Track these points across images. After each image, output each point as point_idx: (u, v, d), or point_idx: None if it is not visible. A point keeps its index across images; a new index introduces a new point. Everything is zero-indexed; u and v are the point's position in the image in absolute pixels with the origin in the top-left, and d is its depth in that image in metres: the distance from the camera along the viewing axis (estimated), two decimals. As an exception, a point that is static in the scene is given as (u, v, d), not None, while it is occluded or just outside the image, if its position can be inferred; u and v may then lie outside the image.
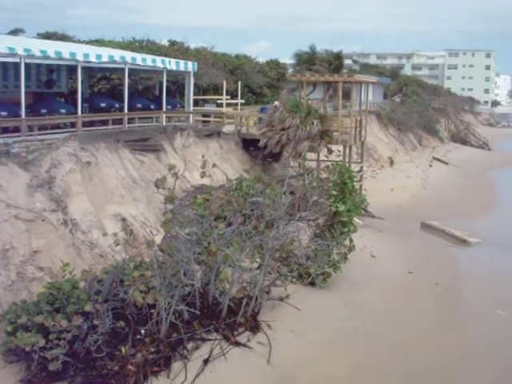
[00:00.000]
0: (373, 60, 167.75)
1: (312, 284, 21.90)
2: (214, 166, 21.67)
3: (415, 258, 28.37)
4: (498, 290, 24.75)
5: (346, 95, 38.87)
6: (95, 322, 14.98)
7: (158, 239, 19.42)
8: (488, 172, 60.81)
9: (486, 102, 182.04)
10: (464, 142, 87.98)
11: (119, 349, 15.11)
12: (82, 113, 28.53)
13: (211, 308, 17.64)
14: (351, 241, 23.37)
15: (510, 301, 23.32)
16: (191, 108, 36.03)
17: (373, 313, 21.03)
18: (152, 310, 15.90)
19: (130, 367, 14.72)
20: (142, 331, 15.87)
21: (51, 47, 27.27)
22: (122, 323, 15.43)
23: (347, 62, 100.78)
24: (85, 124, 28.24)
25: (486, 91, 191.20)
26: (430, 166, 60.38)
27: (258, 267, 19.48)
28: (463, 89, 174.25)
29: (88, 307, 14.96)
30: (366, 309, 21.23)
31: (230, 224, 17.29)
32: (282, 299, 19.96)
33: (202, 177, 19.14)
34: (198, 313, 16.91)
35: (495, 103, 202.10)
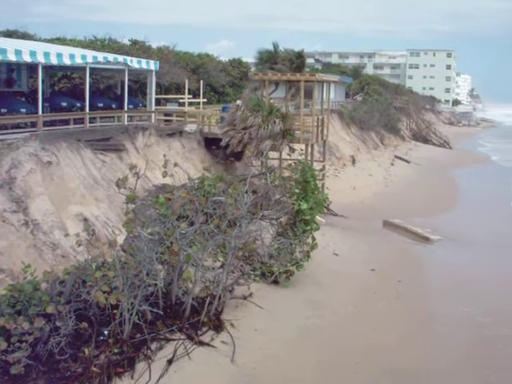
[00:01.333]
0: (335, 59, 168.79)
1: (275, 282, 21.97)
2: (176, 165, 21.59)
3: (378, 255, 28.60)
4: (460, 286, 25.07)
5: (308, 94, 39.02)
6: (57, 323, 14.85)
7: (121, 239, 19.33)
8: (449, 170, 61.58)
9: (446, 101, 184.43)
10: (425, 141, 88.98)
11: (82, 350, 14.99)
12: (42, 112, 28.24)
13: (174, 308, 17.61)
14: (314, 239, 23.48)
15: (473, 297, 23.66)
16: (153, 107, 35.90)
17: (336, 310, 21.16)
18: (115, 311, 15.82)
19: (94, 369, 14.62)
20: (105, 332, 15.78)
21: (11, 45, 26.97)
22: (84, 324, 15.32)
23: (309, 61, 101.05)
24: (46, 124, 27.97)
25: (447, 90, 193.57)
26: (392, 164, 60.96)
27: (221, 266, 19.49)
28: (424, 88, 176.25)
29: (50, 309, 14.82)
30: (329, 306, 21.35)
31: (192, 223, 17.27)
32: (245, 298, 19.99)
33: (163, 176, 19.07)
34: (162, 313, 16.86)
35: (456, 102, 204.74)
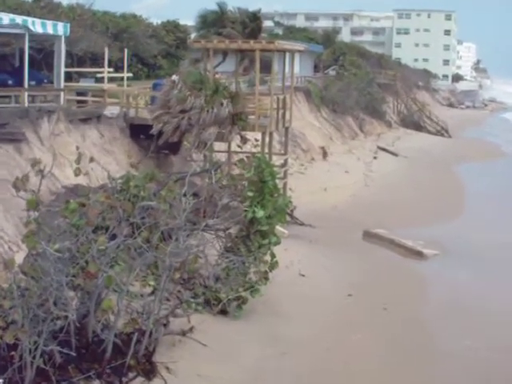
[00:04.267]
0: (300, 22, 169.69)
1: (223, 312, 22.00)
2: (93, 160, 21.52)
3: (356, 276, 28.81)
4: (462, 314, 25.40)
5: (266, 67, 39.19)
6: None
7: (20, 258, 19.19)
8: (449, 166, 62.13)
9: (445, 77, 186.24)
10: (418, 128, 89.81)
11: (-31, 405, 14.86)
12: None
13: (91, 347, 17.54)
14: (273, 256, 23.54)
15: (478, 328, 23.99)
16: (62, 84, 35.69)
17: (302, 348, 21.25)
18: (13, 352, 15.71)
19: (-16, 429, 14.49)
20: (1, 380, 15.66)
21: None
22: (-28, 371, 15.20)
23: (267, 24, 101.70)
24: None
25: (446, 63, 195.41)
26: (375, 157, 61.54)
27: (152, 292, 19.47)
28: (416, 59, 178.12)
29: None
30: (293, 343, 21.43)
31: (113, 236, 17.22)
32: (184, 333, 20.00)
33: (76, 175, 18.97)
34: (74, 354, 16.78)
35: (457, 78, 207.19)
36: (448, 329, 23.92)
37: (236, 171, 26.89)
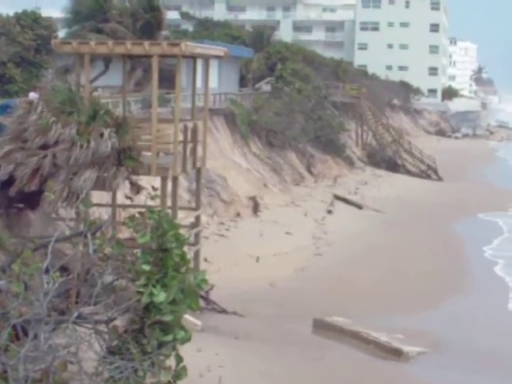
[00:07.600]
0: (220, 13, 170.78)
1: None
2: None
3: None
4: None
5: (168, 81, 39.46)
6: None
7: None
8: (440, 223, 62.71)
9: (432, 92, 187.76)
10: (393, 167, 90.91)
11: None
12: None
13: None
14: (180, 359, 23.60)
15: None
16: None
17: None
18: None
19: None
20: None
21: None
22: None
23: (172, 16, 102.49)
24: None
25: (433, 72, 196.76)
26: (330, 212, 62.01)
27: (0, 416, 19.46)
28: (390, 67, 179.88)
29: None
30: None
31: None
32: None
33: None
34: None
35: (450, 93, 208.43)
36: None
37: (125, 234, 27.00)
